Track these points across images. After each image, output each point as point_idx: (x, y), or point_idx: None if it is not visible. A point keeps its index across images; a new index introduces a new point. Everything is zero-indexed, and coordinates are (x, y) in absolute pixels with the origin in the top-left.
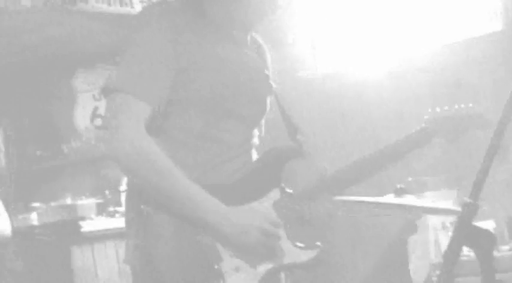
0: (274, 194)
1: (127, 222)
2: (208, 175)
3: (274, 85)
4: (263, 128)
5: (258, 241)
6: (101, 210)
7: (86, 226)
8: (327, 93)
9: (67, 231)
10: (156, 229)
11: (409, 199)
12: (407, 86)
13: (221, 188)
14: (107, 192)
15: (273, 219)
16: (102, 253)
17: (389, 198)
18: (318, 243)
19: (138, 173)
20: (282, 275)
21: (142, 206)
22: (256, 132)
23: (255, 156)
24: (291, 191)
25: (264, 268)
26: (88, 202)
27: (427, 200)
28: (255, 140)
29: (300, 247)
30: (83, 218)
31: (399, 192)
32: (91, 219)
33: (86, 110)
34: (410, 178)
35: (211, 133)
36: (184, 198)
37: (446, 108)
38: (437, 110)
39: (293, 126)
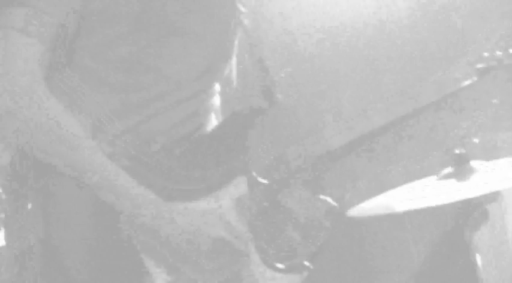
0: (238, 185)
1: None
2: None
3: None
4: (232, 80)
5: (210, 264)
6: None
7: None
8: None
9: None
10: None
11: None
12: None
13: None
14: None
15: (235, 227)
16: None
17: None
18: (306, 263)
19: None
20: None
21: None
22: (216, 80)
23: (212, 120)
24: (264, 180)
25: None
26: None
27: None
28: (215, 93)
29: (279, 270)
30: None
31: (458, 161)
32: None
33: None
34: (475, 139)
35: (144, 60)
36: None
37: None
38: None
39: (268, 76)
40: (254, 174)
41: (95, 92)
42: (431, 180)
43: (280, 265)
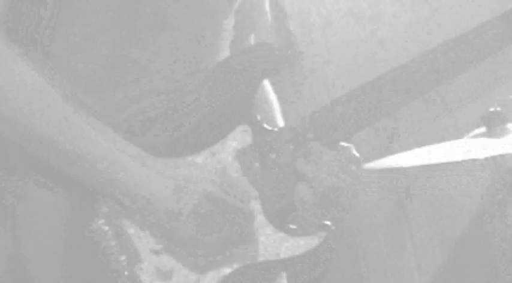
0: (240, 135)
1: None
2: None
3: None
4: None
5: (210, 223)
6: None
7: None
8: None
9: None
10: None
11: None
12: None
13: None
14: None
15: (236, 184)
16: None
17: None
18: (327, 222)
19: None
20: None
21: None
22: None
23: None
24: (271, 128)
25: (218, 271)
26: None
27: None
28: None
29: (290, 231)
30: None
31: (492, 121)
32: None
33: None
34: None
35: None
36: (74, 146)
37: None
38: None
39: (282, 11)
40: (259, 118)
41: (73, 90)
42: (463, 139)
43: (293, 226)
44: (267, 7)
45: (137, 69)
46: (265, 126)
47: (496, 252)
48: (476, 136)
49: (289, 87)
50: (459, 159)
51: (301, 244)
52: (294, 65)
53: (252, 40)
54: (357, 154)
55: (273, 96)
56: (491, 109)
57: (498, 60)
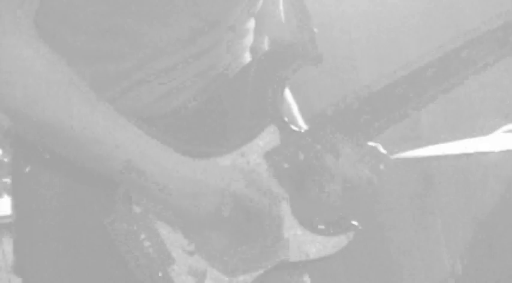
0: (269, 136)
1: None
2: (141, 98)
3: None
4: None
5: (239, 223)
6: None
7: None
8: None
9: None
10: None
11: None
12: None
13: (164, 123)
14: None
15: (264, 185)
16: None
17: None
18: (355, 223)
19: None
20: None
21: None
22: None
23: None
24: (299, 128)
25: (249, 273)
26: None
27: None
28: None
29: (320, 232)
30: None
31: None
32: None
33: None
34: None
35: (118, 24)
36: (101, 138)
37: None
38: None
39: (305, 12)
40: (286, 120)
41: (69, 63)
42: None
43: (321, 227)
44: (281, 7)
45: (131, 41)
46: (293, 127)
47: None
48: (504, 132)
49: (313, 86)
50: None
51: (330, 245)
52: (318, 65)
53: (266, 42)
54: (385, 152)
55: (290, 97)
56: None
57: None
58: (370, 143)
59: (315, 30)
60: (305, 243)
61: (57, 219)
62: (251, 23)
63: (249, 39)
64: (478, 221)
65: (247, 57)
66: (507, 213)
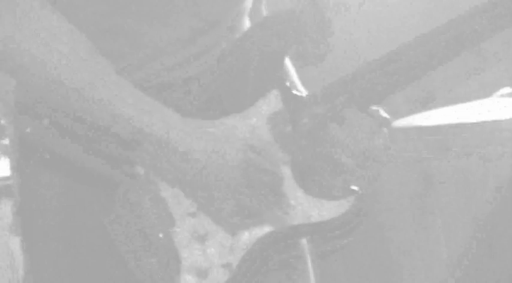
0: (271, 100)
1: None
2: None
3: None
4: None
5: (242, 185)
6: None
7: None
8: None
9: None
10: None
11: None
12: None
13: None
14: None
15: (269, 145)
16: None
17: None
18: (355, 188)
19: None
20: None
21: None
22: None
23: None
24: (302, 93)
25: (251, 234)
26: None
27: None
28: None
29: (320, 195)
30: None
31: None
32: None
33: None
34: None
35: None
36: (104, 101)
37: None
38: None
39: None
40: (289, 85)
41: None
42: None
43: (323, 190)
44: None
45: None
46: (295, 92)
47: None
48: (502, 95)
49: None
50: (481, 119)
51: (331, 208)
52: (323, 33)
53: (264, 5)
54: (387, 116)
55: (289, 64)
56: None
57: None
58: (373, 107)
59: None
60: (305, 207)
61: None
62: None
63: (248, 5)
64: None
65: (245, 22)
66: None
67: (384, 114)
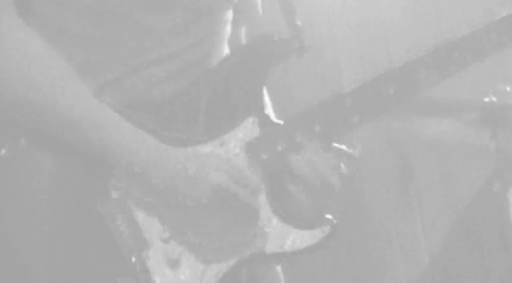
0: (249, 126)
1: None
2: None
3: None
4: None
5: (215, 211)
6: None
7: None
8: None
9: None
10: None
11: None
12: None
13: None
14: None
15: (243, 176)
16: None
17: None
18: (329, 216)
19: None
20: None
21: None
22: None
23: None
24: (279, 121)
25: (224, 261)
26: None
27: None
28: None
29: (298, 225)
30: None
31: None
32: None
33: None
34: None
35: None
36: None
37: None
38: None
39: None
40: (267, 113)
41: (60, 48)
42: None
43: (297, 220)
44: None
45: (125, 27)
46: (273, 119)
47: (504, 218)
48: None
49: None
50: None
51: (305, 238)
52: (301, 57)
53: (243, 34)
54: (351, 152)
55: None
56: (486, 99)
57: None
58: (335, 144)
59: (298, 23)
60: (281, 235)
61: (49, 204)
62: (230, 14)
63: (227, 31)
64: (457, 213)
65: (225, 49)
66: (487, 204)
67: (347, 149)
